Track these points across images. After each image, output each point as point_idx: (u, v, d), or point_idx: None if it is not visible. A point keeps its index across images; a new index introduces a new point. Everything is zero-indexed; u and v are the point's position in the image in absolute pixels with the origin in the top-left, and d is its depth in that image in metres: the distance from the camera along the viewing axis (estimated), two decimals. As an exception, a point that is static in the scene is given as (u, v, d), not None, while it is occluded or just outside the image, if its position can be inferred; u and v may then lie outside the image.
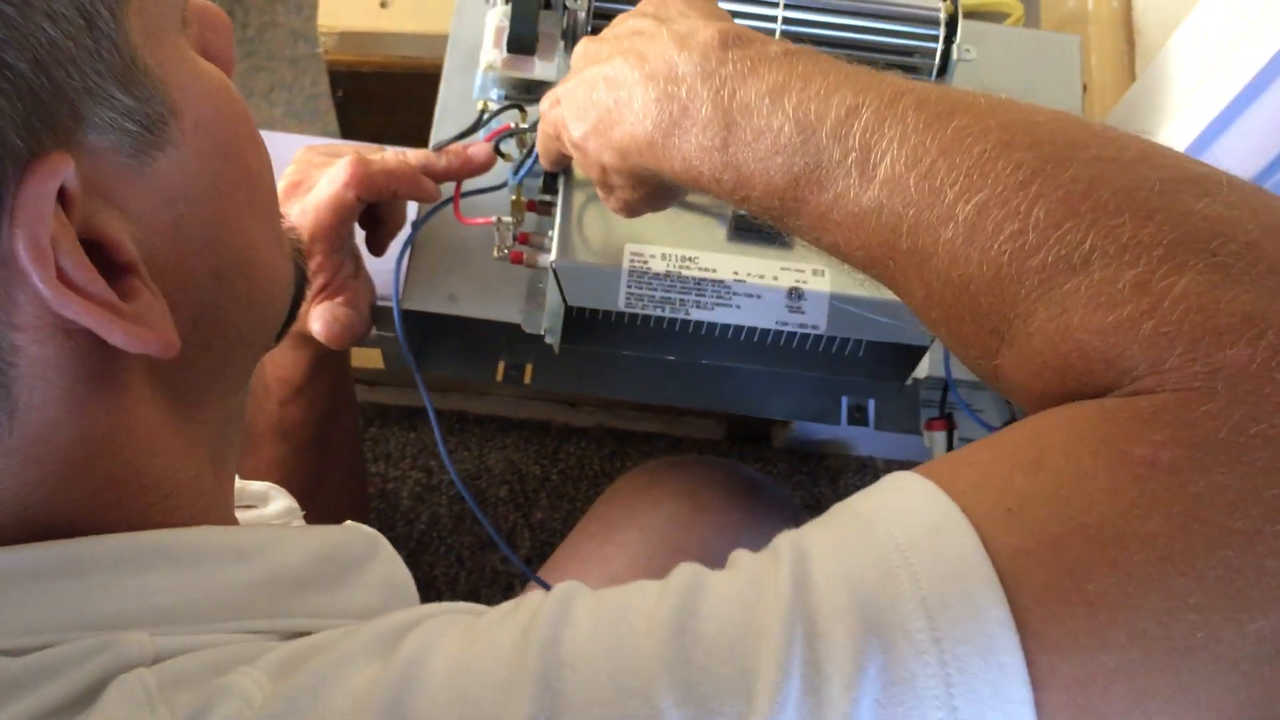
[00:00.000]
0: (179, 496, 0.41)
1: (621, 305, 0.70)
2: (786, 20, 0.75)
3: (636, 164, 0.54)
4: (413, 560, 1.06)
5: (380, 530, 0.48)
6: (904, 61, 0.76)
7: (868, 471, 1.09)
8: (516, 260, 0.72)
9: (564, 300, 0.69)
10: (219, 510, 0.46)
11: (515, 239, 0.72)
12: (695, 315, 0.70)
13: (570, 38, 0.74)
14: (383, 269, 0.77)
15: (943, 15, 0.76)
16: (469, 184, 0.75)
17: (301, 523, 0.62)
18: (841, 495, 1.13)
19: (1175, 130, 0.76)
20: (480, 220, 0.72)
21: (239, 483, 0.59)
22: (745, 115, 0.48)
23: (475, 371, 0.90)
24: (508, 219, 0.72)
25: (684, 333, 0.73)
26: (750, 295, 0.70)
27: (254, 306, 0.45)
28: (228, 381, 0.45)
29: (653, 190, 0.58)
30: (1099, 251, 0.37)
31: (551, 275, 0.70)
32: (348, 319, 0.72)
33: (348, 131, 1.41)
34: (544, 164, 0.65)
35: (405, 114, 1.36)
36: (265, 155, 0.47)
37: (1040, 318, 0.38)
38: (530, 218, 0.76)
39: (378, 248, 0.77)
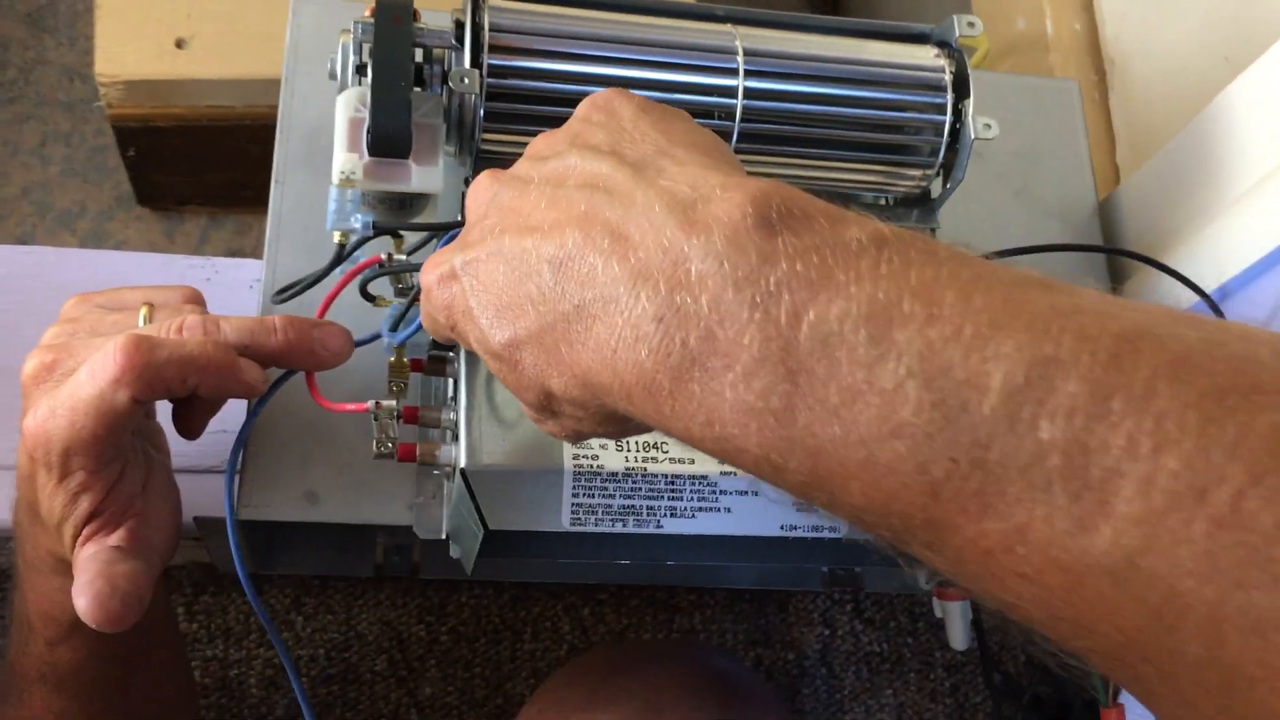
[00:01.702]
0: None
1: (565, 524, 0.49)
2: (748, 92, 0.55)
3: (614, 407, 0.34)
4: (269, 766, 0.83)
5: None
6: (893, 140, 0.58)
7: (819, 595, 0.92)
8: (406, 457, 0.50)
9: (482, 522, 0.48)
10: None
11: (400, 424, 0.51)
12: (670, 528, 0.50)
13: (459, 130, 0.53)
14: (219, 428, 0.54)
15: (947, 77, 0.58)
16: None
17: None
18: (792, 623, 0.98)
19: (1247, 234, 0.59)
20: (350, 406, 0.50)
21: None
22: (825, 359, 0.29)
23: (344, 565, 0.68)
24: (389, 403, 0.50)
25: (641, 538, 0.52)
26: (744, 493, 0.50)
27: None
28: None
29: (625, 428, 0.38)
30: None
31: (459, 483, 0.48)
32: (129, 584, 0.47)
33: (144, 194, 1.16)
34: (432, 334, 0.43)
35: (215, 172, 1.11)
36: None
37: None
38: (417, 381, 0.54)
39: (188, 430, 0.54)
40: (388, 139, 0.50)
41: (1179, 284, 0.62)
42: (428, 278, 0.40)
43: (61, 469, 0.46)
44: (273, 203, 0.59)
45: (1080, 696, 0.91)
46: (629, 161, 0.36)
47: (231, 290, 0.52)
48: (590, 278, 0.33)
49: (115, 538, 0.48)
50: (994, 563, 0.27)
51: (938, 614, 0.66)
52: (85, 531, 0.48)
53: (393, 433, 0.50)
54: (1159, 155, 0.67)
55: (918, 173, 0.59)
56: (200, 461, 0.61)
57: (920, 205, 0.60)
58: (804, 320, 0.29)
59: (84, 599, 0.46)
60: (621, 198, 0.34)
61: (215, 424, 0.57)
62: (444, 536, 0.55)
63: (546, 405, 0.37)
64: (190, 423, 0.54)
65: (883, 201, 0.62)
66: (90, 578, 0.46)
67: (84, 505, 0.47)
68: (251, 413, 0.52)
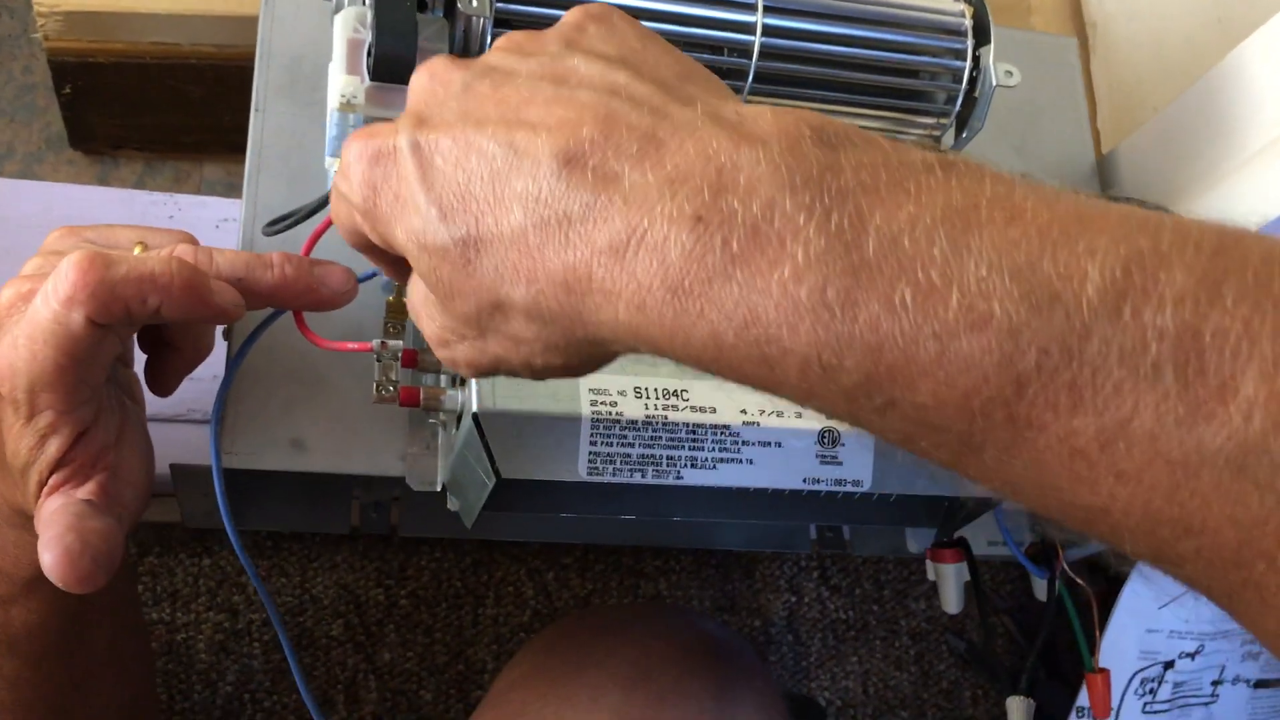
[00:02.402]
0: None
1: (583, 474, 0.46)
2: (766, 29, 0.53)
3: (592, 319, 0.31)
4: (220, 735, 0.79)
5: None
6: (910, 86, 0.56)
7: (787, 558, 0.90)
8: (409, 402, 0.47)
9: (494, 471, 0.45)
10: None
11: (401, 368, 0.48)
12: (690, 479, 0.47)
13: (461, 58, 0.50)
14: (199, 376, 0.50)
15: (967, 21, 0.56)
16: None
17: None
18: (759, 589, 0.96)
19: (1259, 192, 0.58)
20: (350, 345, 0.46)
21: None
22: (893, 256, 0.27)
23: (319, 520, 0.64)
24: (395, 343, 0.47)
25: (655, 489, 0.50)
26: (767, 444, 0.48)
27: None
28: None
29: (569, 360, 0.35)
30: None
31: (468, 430, 0.45)
32: (101, 542, 0.43)
33: (78, 136, 1.09)
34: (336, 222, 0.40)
35: (154, 114, 1.05)
36: None
37: None
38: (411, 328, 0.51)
39: (160, 384, 0.50)
40: (392, 63, 0.47)
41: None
42: (352, 148, 0.35)
43: (29, 406, 0.42)
44: (252, 133, 0.56)
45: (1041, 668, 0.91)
46: (650, 79, 0.33)
47: (195, 229, 0.48)
48: (611, 179, 0.30)
49: (85, 491, 0.44)
50: (1084, 463, 0.26)
51: (930, 577, 0.64)
52: (52, 480, 0.44)
53: (394, 375, 0.47)
54: (1162, 114, 0.66)
55: (931, 120, 0.57)
56: (171, 409, 0.57)
57: (931, 155, 0.59)
58: (870, 223, 0.28)
59: (51, 554, 0.42)
60: (652, 109, 0.32)
61: (205, 369, 0.53)
62: (439, 489, 0.52)
63: (482, 320, 0.34)
64: (163, 376, 0.50)
65: (890, 151, 0.60)
66: (59, 531, 0.42)
67: (52, 449, 0.43)
68: (237, 355, 0.48)
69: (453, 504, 0.51)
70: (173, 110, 1.04)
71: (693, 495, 0.49)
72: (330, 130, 0.47)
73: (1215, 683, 0.82)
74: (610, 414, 0.46)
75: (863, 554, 0.69)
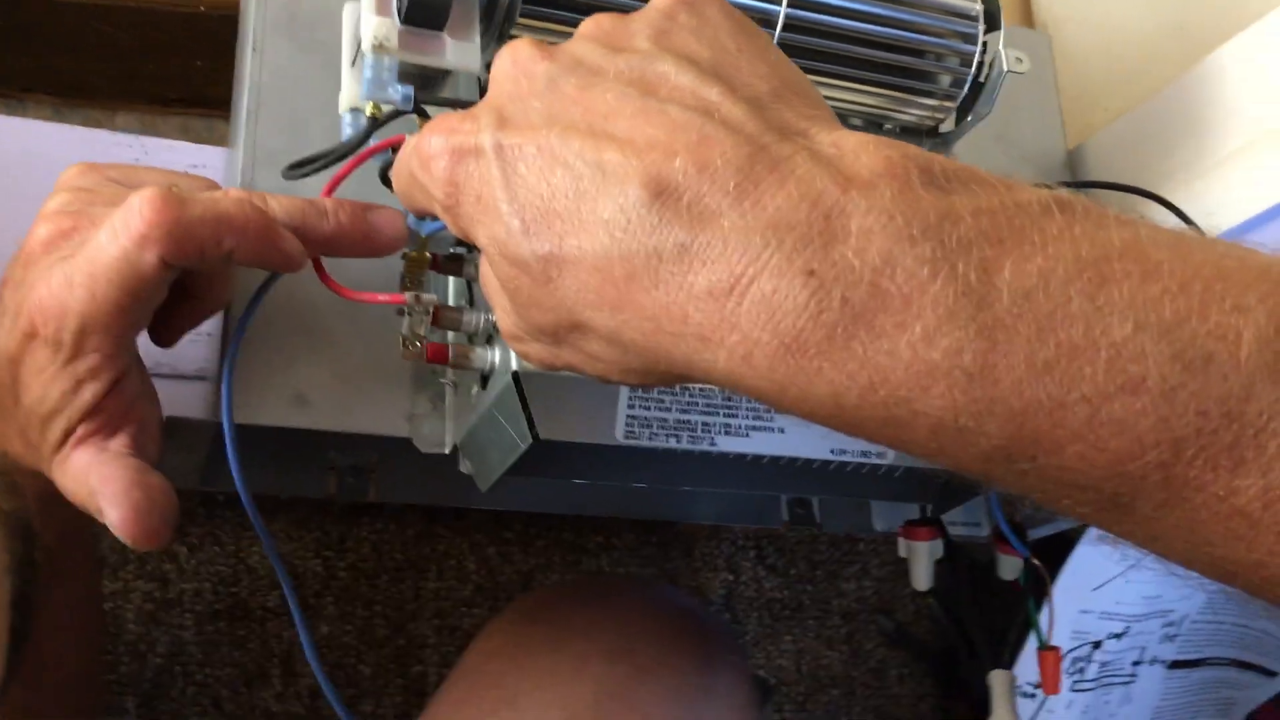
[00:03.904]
0: None
1: (619, 437, 0.45)
2: (793, 1, 0.53)
3: (683, 358, 0.30)
4: (148, 709, 0.75)
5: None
6: (921, 67, 0.56)
7: (725, 537, 0.90)
8: (437, 358, 0.46)
9: (531, 432, 0.44)
10: None
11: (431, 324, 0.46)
12: (723, 445, 0.47)
13: (489, 9, 0.48)
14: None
15: (978, 6, 0.57)
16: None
17: None
18: (698, 568, 0.96)
19: (1232, 193, 0.60)
20: (381, 297, 0.44)
21: None
22: (1029, 315, 0.26)
23: (293, 485, 0.62)
24: (429, 296, 0.45)
25: (670, 455, 0.49)
26: (798, 413, 0.47)
27: None
28: None
29: (646, 381, 0.35)
30: None
31: (506, 390, 0.44)
32: (164, 499, 0.41)
33: (-18, 76, 1.03)
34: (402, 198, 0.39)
35: (75, 58, 1.00)
36: None
37: None
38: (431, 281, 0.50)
39: (167, 336, 0.47)
40: (427, 7, 0.45)
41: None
42: (434, 142, 0.34)
43: (73, 348, 0.39)
44: (250, 73, 0.53)
45: (966, 649, 0.94)
46: (743, 97, 0.32)
47: (164, 175, 0.46)
48: (706, 218, 0.29)
49: (116, 444, 0.42)
50: (1244, 522, 0.26)
51: (902, 554, 0.65)
52: (80, 430, 0.41)
53: (424, 330, 0.45)
54: (1135, 112, 0.68)
55: (934, 102, 0.58)
56: (164, 364, 0.54)
57: (931, 138, 0.59)
58: (998, 277, 0.27)
59: (119, 511, 0.39)
60: (747, 138, 0.30)
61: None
62: (447, 451, 0.50)
63: (559, 334, 0.33)
64: (173, 326, 0.47)
65: (887, 128, 0.60)
66: (123, 488, 0.40)
67: (87, 395, 0.40)
68: (251, 303, 0.45)
69: (465, 467, 0.50)
70: (95, 55, 0.99)
71: (714, 464, 0.48)
72: (366, 71, 0.45)
73: (1135, 663, 0.86)
74: (648, 377, 0.45)
75: (830, 530, 0.70)
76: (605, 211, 0.30)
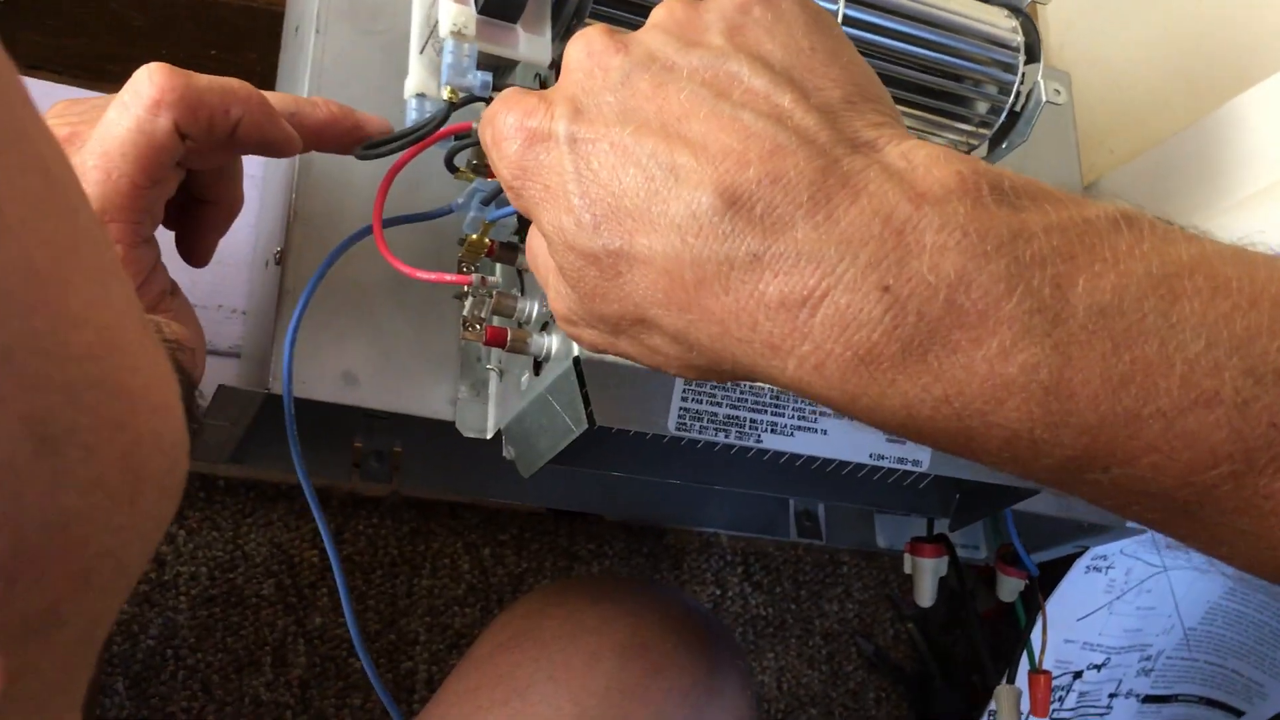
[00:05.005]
0: None
1: (671, 428, 0.46)
2: (846, 20, 0.54)
3: (750, 363, 0.31)
4: (137, 691, 0.74)
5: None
6: (962, 93, 0.58)
7: (713, 552, 0.91)
8: (495, 340, 0.46)
9: (588, 417, 0.44)
10: None
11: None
12: (769, 443, 0.48)
13: (560, 10, 0.49)
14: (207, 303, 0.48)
15: (1019, 37, 0.59)
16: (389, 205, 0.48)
17: None
18: (685, 580, 0.96)
19: (1250, 236, 0.63)
20: (449, 277, 0.45)
21: None
22: (1103, 331, 0.27)
23: (316, 463, 0.62)
24: (494, 279, 0.46)
25: (709, 451, 0.50)
26: (842, 417, 0.49)
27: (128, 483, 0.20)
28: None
29: (704, 375, 0.35)
30: None
31: (564, 375, 0.45)
32: (183, 336, 0.42)
33: (-8, 49, 1.02)
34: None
35: (82, 37, 1.00)
36: (68, 161, 0.22)
37: None
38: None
39: (197, 250, 0.48)
40: (502, 1, 0.46)
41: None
42: (509, 121, 0.34)
43: None
44: (312, 55, 0.53)
45: (943, 673, 0.95)
46: (816, 104, 0.32)
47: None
48: (779, 229, 0.29)
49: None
50: None
51: (907, 569, 0.66)
52: None
53: (485, 313, 0.46)
54: (1152, 151, 0.70)
55: (969, 128, 0.60)
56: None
57: (963, 163, 0.61)
58: (1072, 293, 0.28)
59: None
60: (819, 149, 0.30)
61: (212, 298, 0.51)
62: (488, 437, 0.51)
63: (621, 325, 0.34)
64: (200, 237, 0.48)
65: (920, 155, 0.62)
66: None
67: None
68: (322, 267, 0.46)
69: (509, 452, 0.50)
70: (107, 37, 0.99)
71: (750, 462, 0.49)
72: (446, 58, 0.45)
73: (1111, 695, 0.87)
74: (702, 372, 0.46)
75: (834, 544, 0.71)
76: (677, 213, 0.31)
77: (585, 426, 0.44)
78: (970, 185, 0.29)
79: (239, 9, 1.01)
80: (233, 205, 0.48)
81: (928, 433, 0.30)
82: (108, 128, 0.41)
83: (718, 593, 0.92)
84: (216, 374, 0.53)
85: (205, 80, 0.42)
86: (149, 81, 0.40)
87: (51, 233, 0.18)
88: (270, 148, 0.44)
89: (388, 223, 0.47)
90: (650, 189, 0.31)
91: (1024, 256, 0.28)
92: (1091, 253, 0.28)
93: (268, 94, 0.45)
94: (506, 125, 0.35)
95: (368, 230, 0.46)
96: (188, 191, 0.47)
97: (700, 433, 0.46)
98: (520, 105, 0.35)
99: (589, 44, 0.35)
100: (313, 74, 0.53)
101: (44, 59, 1.03)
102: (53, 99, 0.60)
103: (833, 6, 0.53)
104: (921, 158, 0.30)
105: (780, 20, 0.35)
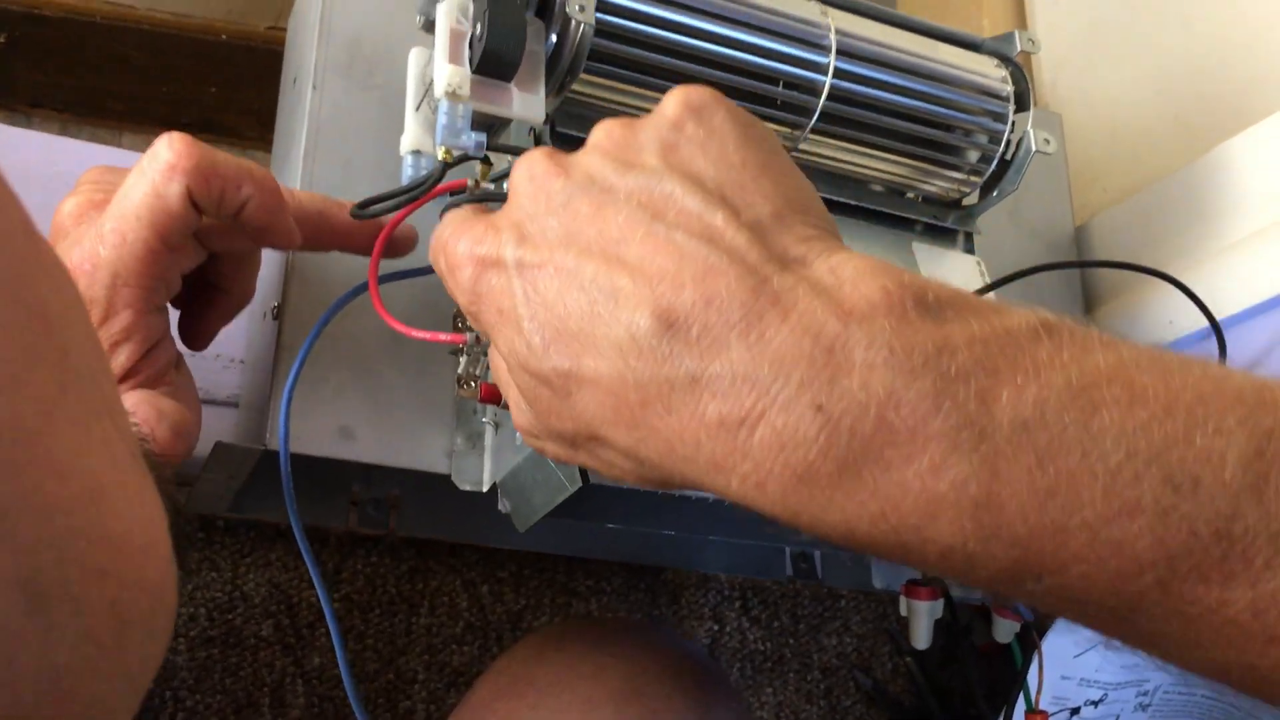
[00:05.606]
0: None
1: (666, 484, 0.46)
2: (838, 72, 0.55)
3: (695, 479, 0.32)
4: (135, 733, 0.75)
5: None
6: (952, 142, 0.59)
7: (711, 587, 0.91)
8: (489, 398, 0.47)
9: (582, 474, 0.45)
10: None
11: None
12: (762, 498, 0.48)
13: (552, 64, 0.50)
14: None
15: (1009, 88, 0.59)
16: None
17: None
18: (684, 616, 0.97)
19: (1240, 279, 0.63)
20: (443, 336, 0.45)
21: None
22: (1027, 444, 0.28)
23: (314, 514, 0.62)
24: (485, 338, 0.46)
25: (702, 504, 0.51)
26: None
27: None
28: None
29: (666, 485, 0.36)
30: None
31: (557, 432, 0.45)
32: (178, 416, 0.43)
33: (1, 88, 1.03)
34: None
35: (88, 75, 1.01)
36: (70, 287, 0.23)
37: None
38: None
39: (199, 335, 0.49)
40: (499, 59, 0.47)
41: (1139, 318, 0.66)
42: (460, 248, 0.36)
43: (106, 305, 0.42)
44: (310, 109, 0.54)
45: (942, 707, 0.95)
46: (745, 222, 0.33)
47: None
48: (715, 350, 0.30)
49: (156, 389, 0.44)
50: (1236, 629, 0.28)
51: (903, 612, 0.67)
52: (120, 386, 0.42)
53: (479, 370, 0.46)
54: (1143, 193, 0.71)
55: (960, 176, 0.60)
56: (201, 389, 0.55)
57: (954, 210, 0.62)
58: (996, 407, 0.28)
59: (134, 417, 0.41)
60: (749, 269, 0.31)
61: (210, 348, 0.51)
62: (484, 489, 0.51)
63: (577, 442, 0.35)
64: (204, 323, 0.49)
65: (909, 196, 0.62)
66: (132, 404, 0.42)
67: (122, 357, 0.42)
68: (319, 324, 0.46)
69: (504, 506, 0.50)
70: (107, 74, 1.00)
71: (743, 513, 0.50)
72: (440, 118, 0.46)
73: (1109, 731, 0.87)
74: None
75: (830, 583, 0.71)
76: (619, 337, 0.31)
77: (579, 484, 0.45)
78: (895, 300, 0.30)
79: (238, 47, 1.02)
80: (243, 297, 0.49)
81: (868, 546, 0.30)
82: (125, 191, 0.42)
83: (716, 628, 0.92)
84: (215, 422, 0.54)
85: (223, 155, 0.43)
86: (168, 148, 0.42)
87: (41, 384, 0.18)
88: (270, 235, 0.45)
89: (384, 279, 0.47)
90: (593, 312, 0.32)
91: (949, 371, 0.29)
92: (1014, 365, 0.29)
93: (305, 192, 0.47)
94: (458, 254, 0.36)
95: (364, 287, 0.46)
96: (204, 276, 0.48)
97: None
98: (470, 232, 0.36)
99: (531, 168, 0.36)
100: (310, 129, 0.53)
101: (44, 97, 1.04)
102: (81, 156, 0.61)
103: (823, 60, 0.54)
104: (849, 273, 0.31)
105: (713, 136, 0.35)
